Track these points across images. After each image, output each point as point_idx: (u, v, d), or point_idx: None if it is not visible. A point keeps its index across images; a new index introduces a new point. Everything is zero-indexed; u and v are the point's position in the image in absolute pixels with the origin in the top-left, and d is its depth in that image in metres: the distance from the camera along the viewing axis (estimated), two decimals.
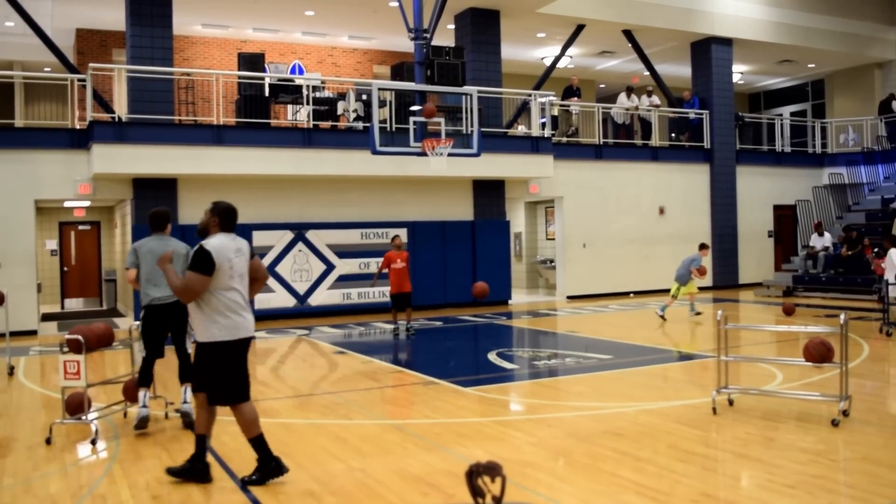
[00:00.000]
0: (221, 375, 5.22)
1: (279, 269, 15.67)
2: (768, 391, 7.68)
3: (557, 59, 19.91)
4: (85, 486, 5.47)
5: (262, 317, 15.45)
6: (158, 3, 14.95)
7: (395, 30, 17.27)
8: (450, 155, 13.13)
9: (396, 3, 14.57)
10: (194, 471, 5.32)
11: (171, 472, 5.37)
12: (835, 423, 6.45)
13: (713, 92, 21.07)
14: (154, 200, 14.36)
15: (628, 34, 20.21)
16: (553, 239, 20.47)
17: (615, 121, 20.46)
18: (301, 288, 15.90)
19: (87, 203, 18.32)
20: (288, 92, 16.32)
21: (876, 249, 15.66)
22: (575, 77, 20.72)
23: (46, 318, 17.06)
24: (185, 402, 6.89)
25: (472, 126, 13.58)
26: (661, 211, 20.30)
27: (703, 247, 14.72)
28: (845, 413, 6.64)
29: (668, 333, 12.78)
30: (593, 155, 19.43)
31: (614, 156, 19.74)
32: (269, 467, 5.27)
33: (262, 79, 15.79)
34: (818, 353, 6.64)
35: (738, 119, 21.91)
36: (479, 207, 17.81)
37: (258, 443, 5.28)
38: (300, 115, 16.25)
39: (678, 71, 23.34)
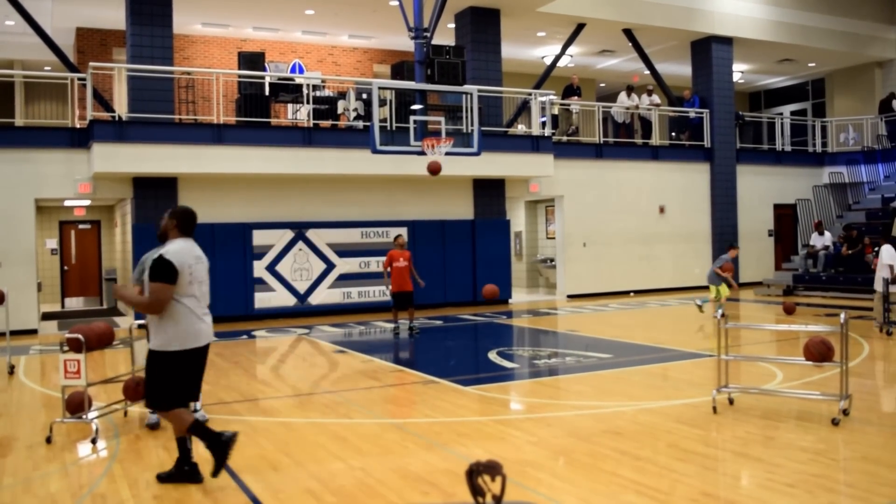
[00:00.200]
0: (163, 382, 5.25)
1: (279, 268, 15.68)
2: (768, 390, 7.68)
3: (558, 58, 19.91)
4: (85, 485, 5.47)
5: (263, 316, 15.50)
6: (158, 2, 14.94)
7: (396, 29, 17.25)
8: (450, 154, 13.12)
9: (396, 2, 14.55)
10: (182, 474, 5.37)
11: (160, 478, 5.42)
12: (835, 423, 6.45)
13: (713, 91, 21.06)
14: (154, 200, 14.38)
15: (628, 33, 20.20)
16: (553, 238, 20.47)
17: (615, 120, 20.46)
18: (301, 287, 15.90)
19: (87, 202, 18.32)
20: (288, 91, 16.32)
21: (876, 249, 15.66)
22: (575, 76, 20.73)
23: (47, 317, 17.06)
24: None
25: (472, 125, 13.57)
26: (662, 210, 20.30)
27: (731, 247, 14.73)
28: (845, 412, 6.64)
29: (667, 333, 12.78)
30: (593, 154, 19.43)
31: (614, 155, 19.73)
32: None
33: (263, 78, 15.79)
34: (818, 352, 6.64)
35: (738, 118, 21.90)
36: (480, 206, 17.81)
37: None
38: (300, 114, 16.25)
39: (678, 70, 23.33)
